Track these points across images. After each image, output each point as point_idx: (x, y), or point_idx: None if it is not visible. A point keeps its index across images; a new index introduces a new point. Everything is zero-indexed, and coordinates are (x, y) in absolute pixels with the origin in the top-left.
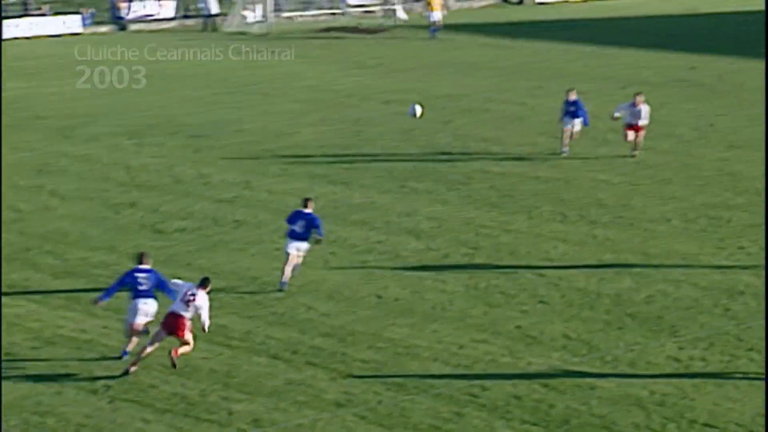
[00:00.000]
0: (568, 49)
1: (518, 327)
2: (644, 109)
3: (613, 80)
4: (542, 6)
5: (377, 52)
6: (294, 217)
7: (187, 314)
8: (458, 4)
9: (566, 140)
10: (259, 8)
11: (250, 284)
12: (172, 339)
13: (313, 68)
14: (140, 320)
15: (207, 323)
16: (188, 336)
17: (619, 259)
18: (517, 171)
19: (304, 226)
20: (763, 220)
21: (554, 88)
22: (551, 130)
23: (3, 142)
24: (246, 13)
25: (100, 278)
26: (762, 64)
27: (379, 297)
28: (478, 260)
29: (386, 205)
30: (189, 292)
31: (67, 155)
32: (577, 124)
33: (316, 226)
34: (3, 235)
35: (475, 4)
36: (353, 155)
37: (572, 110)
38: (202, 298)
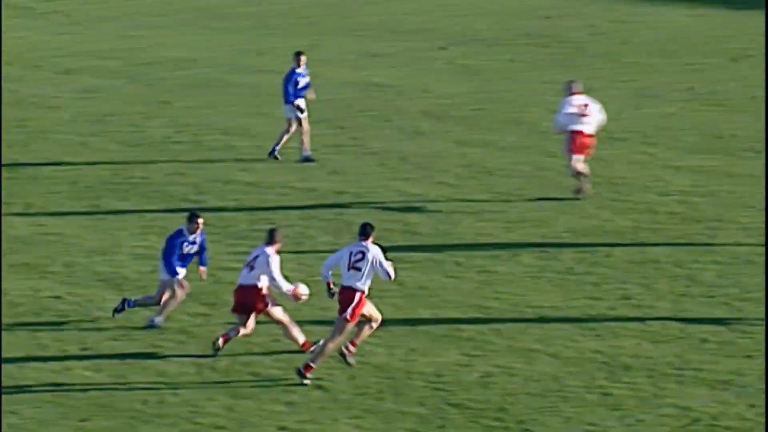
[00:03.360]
0: None
1: (282, 429)
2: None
3: None
4: None
5: None
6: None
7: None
8: None
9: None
10: None
11: None
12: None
13: None
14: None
15: (285, 287)
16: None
17: (439, 317)
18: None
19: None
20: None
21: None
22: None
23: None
24: None
25: None
26: None
27: (57, 386)
28: None
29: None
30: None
31: None
32: None
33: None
34: None
35: None
36: (10, 159)
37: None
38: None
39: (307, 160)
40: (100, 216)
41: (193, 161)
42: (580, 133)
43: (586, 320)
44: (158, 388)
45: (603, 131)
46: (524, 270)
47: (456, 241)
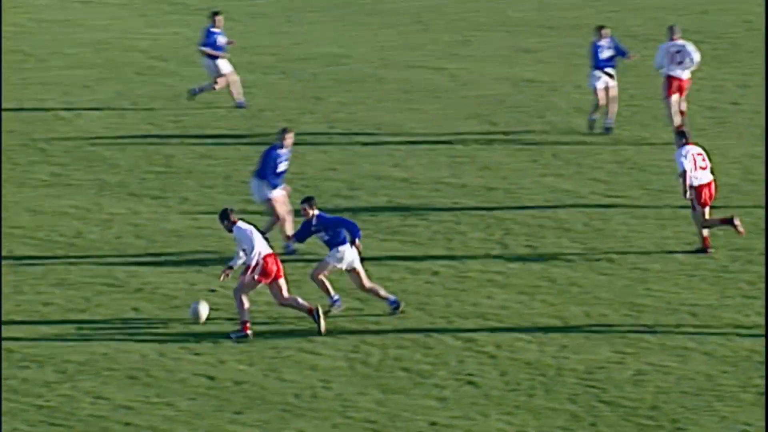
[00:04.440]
0: None
1: (433, 424)
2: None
3: None
4: None
5: None
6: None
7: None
8: None
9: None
10: None
11: None
12: None
13: (97, 11)
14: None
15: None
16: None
17: (591, 314)
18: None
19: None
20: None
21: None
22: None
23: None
24: None
25: None
26: None
27: (211, 378)
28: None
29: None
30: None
31: None
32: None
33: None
34: None
35: None
36: (165, 154)
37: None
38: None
39: (241, 106)
40: (252, 211)
41: (346, 157)
42: (676, 78)
43: (741, 319)
44: (310, 382)
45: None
46: (678, 267)
47: (608, 238)
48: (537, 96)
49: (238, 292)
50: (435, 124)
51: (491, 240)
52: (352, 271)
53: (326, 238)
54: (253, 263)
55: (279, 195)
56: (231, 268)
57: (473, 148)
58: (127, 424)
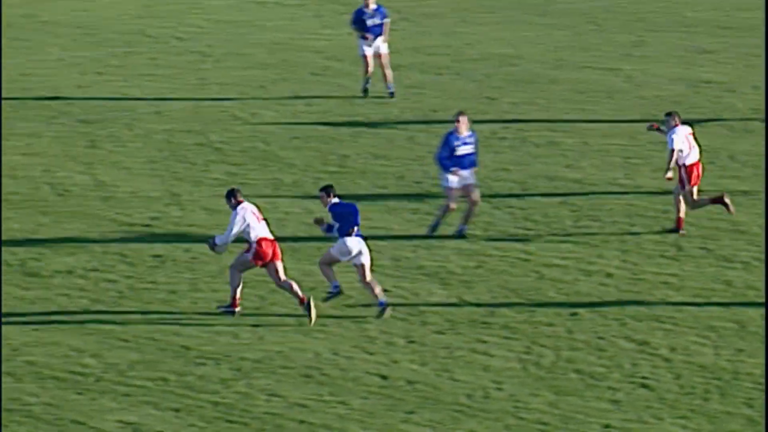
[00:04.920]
0: None
1: (606, 427)
2: None
3: None
4: None
5: None
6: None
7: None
8: None
9: None
10: None
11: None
12: None
13: (274, 11)
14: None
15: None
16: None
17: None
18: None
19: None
20: None
21: None
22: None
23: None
24: None
25: None
26: None
27: (384, 377)
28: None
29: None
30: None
31: None
32: None
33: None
34: None
35: None
36: (340, 154)
37: None
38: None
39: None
40: (425, 212)
41: (518, 157)
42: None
43: None
44: (482, 383)
45: None
46: None
47: None
48: (714, 97)
49: (233, 268)
50: (609, 124)
51: (666, 242)
52: (357, 265)
53: (336, 227)
54: (249, 245)
55: (454, 180)
56: (215, 244)
57: (647, 148)
58: (302, 422)
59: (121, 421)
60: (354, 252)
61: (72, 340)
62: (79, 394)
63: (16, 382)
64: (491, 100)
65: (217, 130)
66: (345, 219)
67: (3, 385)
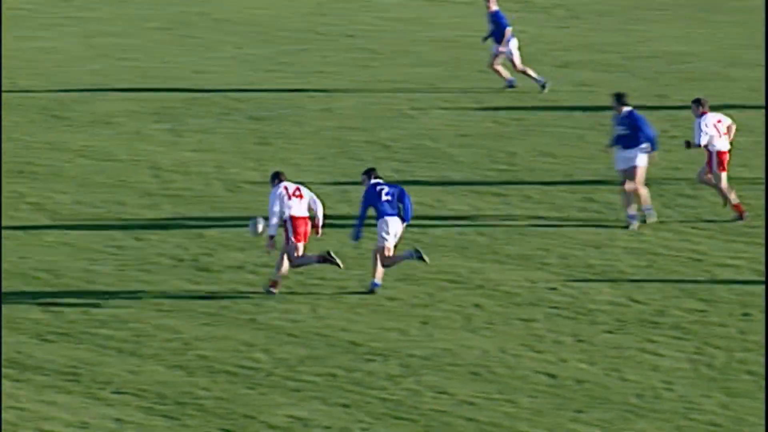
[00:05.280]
0: None
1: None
2: None
3: None
4: None
5: None
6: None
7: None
8: None
9: None
10: None
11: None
12: None
13: (444, 9)
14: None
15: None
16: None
17: None
18: None
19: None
20: None
21: None
22: None
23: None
24: None
25: None
26: None
27: (552, 376)
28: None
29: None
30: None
31: (60, 147)
32: None
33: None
34: None
35: None
36: (508, 152)
37: None
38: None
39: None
40: (595, 209)
41: (688, 156)
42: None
43: None
44: (652, 383)
45: None
46: None
47: None
48: None
49: (294, 261)
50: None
51: None
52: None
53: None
54: (286, 227)
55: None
56: (272, 237)
57: None
58: (470, 419)
59: (290, 416)
60: (394, 230)
61: (242, 335)
62: (250, 388)
63: (188, 375)
64: (662, 98)
65: (385, 127)
66: (377, 203)
67: (176, 379)
